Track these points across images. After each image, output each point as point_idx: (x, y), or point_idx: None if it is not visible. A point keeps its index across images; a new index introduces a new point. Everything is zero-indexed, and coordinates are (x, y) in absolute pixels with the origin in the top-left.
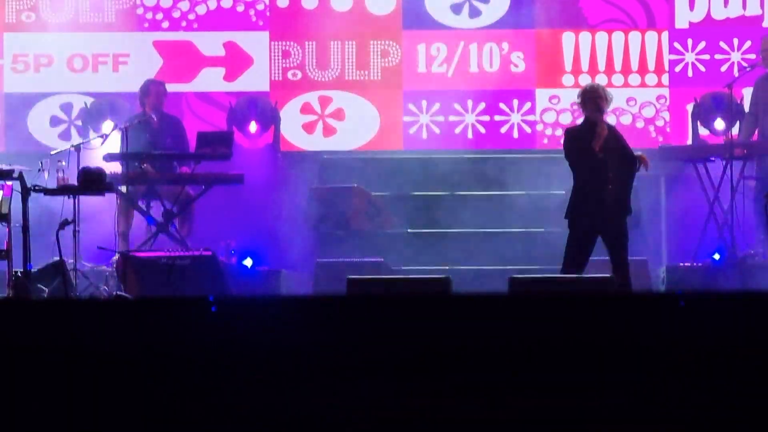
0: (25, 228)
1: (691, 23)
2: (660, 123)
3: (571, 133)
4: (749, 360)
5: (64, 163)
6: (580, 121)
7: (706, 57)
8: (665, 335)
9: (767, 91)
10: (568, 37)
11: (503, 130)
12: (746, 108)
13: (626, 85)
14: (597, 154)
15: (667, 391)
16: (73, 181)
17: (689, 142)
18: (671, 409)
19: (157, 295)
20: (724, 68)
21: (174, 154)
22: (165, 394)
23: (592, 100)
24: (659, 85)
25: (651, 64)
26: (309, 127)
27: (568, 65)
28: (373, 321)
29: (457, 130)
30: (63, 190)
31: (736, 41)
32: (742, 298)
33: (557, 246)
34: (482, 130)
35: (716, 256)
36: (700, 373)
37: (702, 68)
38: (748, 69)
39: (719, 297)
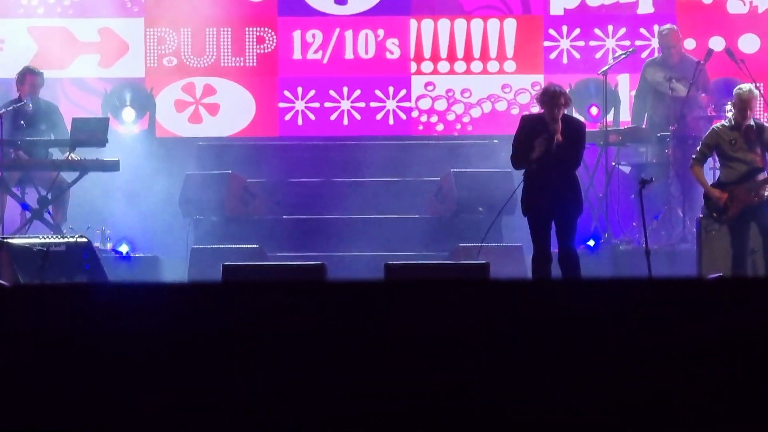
0: None
1: (566, 10)
2: (535, 109)
3: (526, 121)
4: (620, 347)
5: None
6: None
7: (581, 44)
8: (537, 321)
9: (657, 76)
10: (443, 24)
11: (379, 116)
12: (626, 93)
13: (501, 71)
14: (537, 152)
15: (538, 377)
16: None
17: None
18: (540, 396)
19: (31, 281)
20: (598, 55)
21: (49, 140)
22: (37, 384)
23: (548, 103)
24: (534, 71)
25: (526, 51)
26: (184, 114)
27: (443, 52)
28: (248, 308)
29: (333, 117)
30: None
31: (610, 28)
32: (615, 284)
33: (432, 231)
34: (358, 116)
35: (591, 243)
36: (571, 361)
37: (577, 55)
38: (622, 56)
39: (593, 283)
